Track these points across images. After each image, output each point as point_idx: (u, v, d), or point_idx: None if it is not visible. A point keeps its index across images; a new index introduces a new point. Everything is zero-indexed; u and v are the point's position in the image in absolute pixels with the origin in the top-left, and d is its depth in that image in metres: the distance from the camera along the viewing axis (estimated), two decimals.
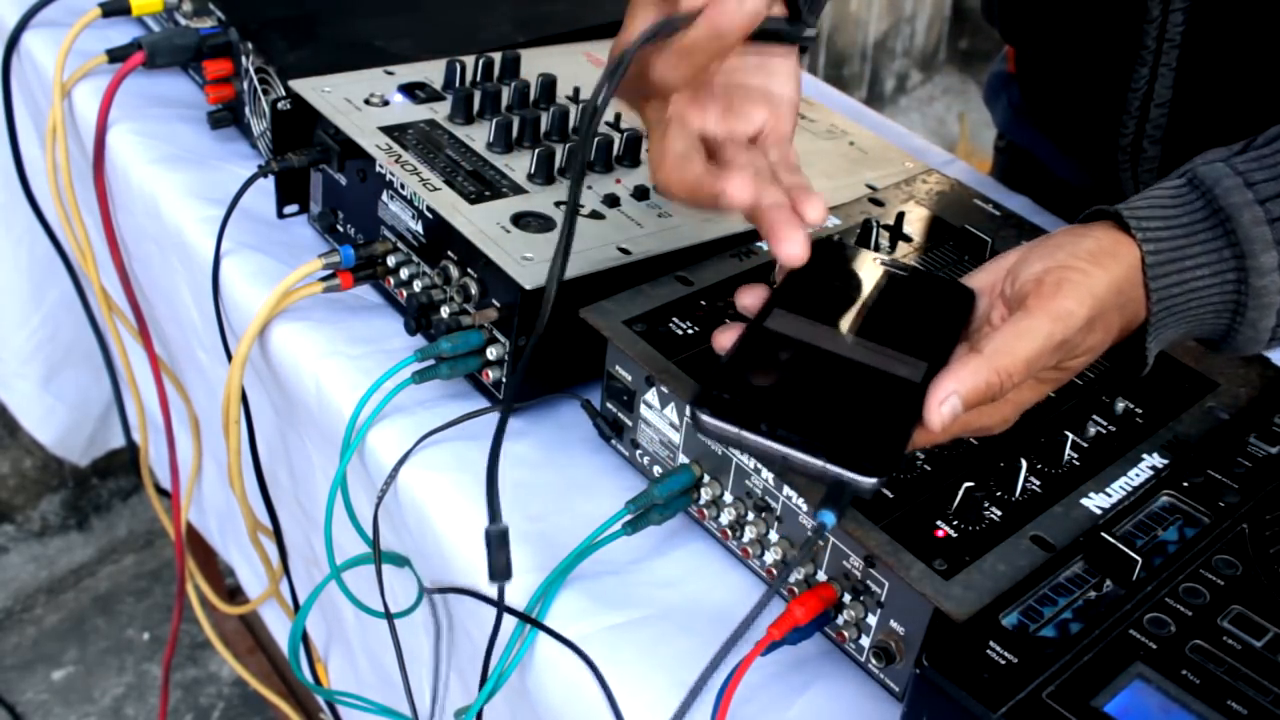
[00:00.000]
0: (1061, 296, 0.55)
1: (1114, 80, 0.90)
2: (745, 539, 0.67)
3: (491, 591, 0.66)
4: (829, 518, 0.50)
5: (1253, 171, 0.58)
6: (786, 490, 0.63)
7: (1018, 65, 1.09)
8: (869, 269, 0.62)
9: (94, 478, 2.08)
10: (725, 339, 0.57)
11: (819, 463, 0.49)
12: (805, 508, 0.62)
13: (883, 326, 0.57)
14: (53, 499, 2.05)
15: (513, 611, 0.66)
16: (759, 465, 0.64)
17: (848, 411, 0.52)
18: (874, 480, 0.49)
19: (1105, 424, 0.69)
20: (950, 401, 0.52)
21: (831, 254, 0.62)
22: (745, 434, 0.50)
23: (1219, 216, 0.58)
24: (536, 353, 0.74)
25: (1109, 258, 0.57)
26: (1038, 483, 0.64)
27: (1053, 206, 1.03)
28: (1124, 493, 0.64)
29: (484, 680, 0.66)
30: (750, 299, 0.59)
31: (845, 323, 0.56)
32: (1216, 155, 0.61)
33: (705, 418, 0.51)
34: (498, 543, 0.63)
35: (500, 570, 0.64)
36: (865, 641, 0.62)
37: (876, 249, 0.81)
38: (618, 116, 0.91)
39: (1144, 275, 0.58)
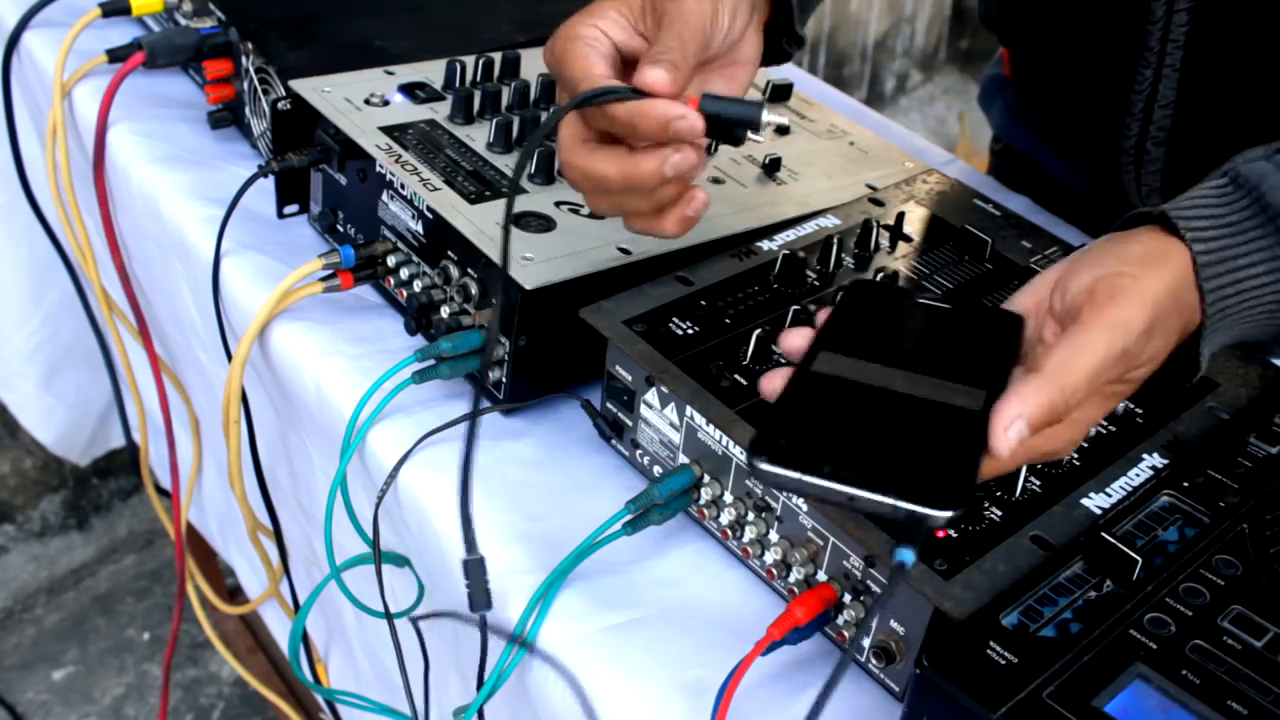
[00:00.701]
0: (1117, 305, 0.53)
1: (1115, 82, 0.89)
2: (745, 539, 0.67)
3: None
4: (909, 556, 0.47)
5: None
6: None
7: (1014, 68, 1.09)
8: (910, 306, 0.61)
9: (94, 478, 2.08)
10: (773, 384, 0.55)
11: (890, 500, 0.47)
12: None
13: (934, 360, 0.55)
14: (53, 499, 2.05)
15: (499, 633, 0.66)
16: None
17: (912, 446, 0.50)
18: (949, 513, 0.46)
19: (1105, 424, 0.69)
20: (1016, 426, 0.49)
21: (872, 294, 0.61)
22: (807, 478, 0.48)
23: (1268, 214, 0.58)
24: (537, 353, 0.75)
25: (1160, 261, 0.56)
26: (1038, 483, 0.64)
27: (1051, 209, 1.03)
28: (1124, 493, 0.64)
29: (481, 683, 0.66)
30: (794, 341, 0.57)
31: (895, 359, 0.55)
32: (1257, 154, 0.60)
33: (764, 465, 0.49)
34: (476, 572, 0.63)
35: (481, 600, 0.63)
36: (865, 641, 0.62)
37: (876, 249, 0.81)
38: None
39: (1196, 276, 0.56)
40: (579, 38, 0.64)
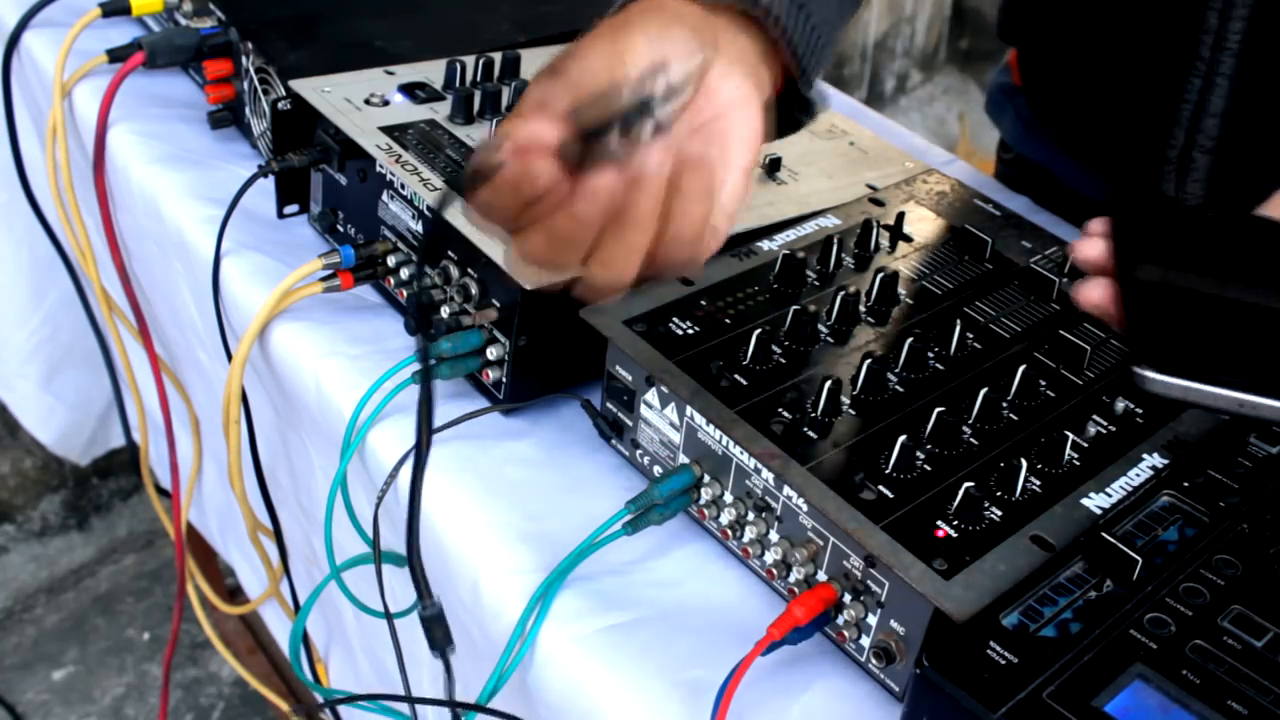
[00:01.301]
0: None
1: (1159, 92, 0.88)
2: (745, 539, 0.67)
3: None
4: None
5: None
6: (787, 490, 0.63)
7: (1028, 77, 1.07)
8: (1191, 218, 0.62)
9: (94, 478, 2.08)
10: (1093, 294, 0.56)
11: None
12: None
13: (1255, 268, 0.55)
14: (53, 499, 2.05)
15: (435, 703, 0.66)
16: (759, 465, 0.64)
17: None
18: None
19: (1105, 424, 0.69)
20: None
21: (1148, 209, 0.62)
22: (1198, 386, 0.49)
23: None
24: (537, 353, 0.75)
25: None
26: (1038, 483, 0.64)
27: (1069, 218, 1.01)
28: (1124, 493, 0.64)
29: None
30: (1090, 252, 0.58)
31: (1215, 267, 0.56)
32: None
33: (1154, 375, 0.50)
34: (434, 623, 0.63)
35: (441, 643, 0.64)
36: (865, 641, 0.62)
37: (876, 249, 0.81)
38: None
39: None
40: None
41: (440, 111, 0.87)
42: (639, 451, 0.73)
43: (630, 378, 0.71)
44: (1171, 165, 0.91)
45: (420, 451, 0.56)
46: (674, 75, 0.48)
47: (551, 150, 0.49)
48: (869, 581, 0.60)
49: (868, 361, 0.68)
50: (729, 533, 0.68)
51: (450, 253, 0.77)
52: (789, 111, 0.69)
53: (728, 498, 0.67)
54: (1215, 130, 0.88)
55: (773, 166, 0.89)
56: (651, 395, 0.70)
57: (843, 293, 0.73)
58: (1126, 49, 0.91)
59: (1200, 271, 0.56)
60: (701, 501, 0.68)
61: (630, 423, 0.72)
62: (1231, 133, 0.88)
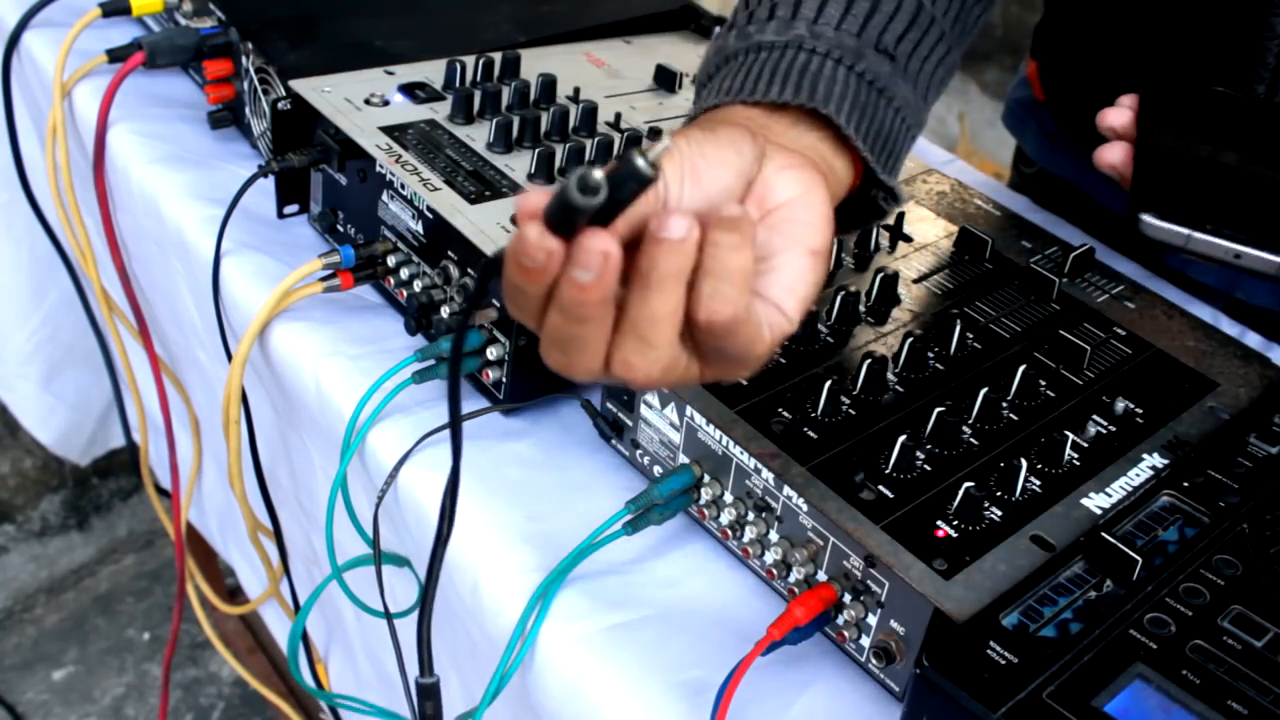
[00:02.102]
0: None
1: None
2: (745, 539, 0.67)
3: None
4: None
5: None
6: (787, 490, 0.63)
7: (1050, 92, 1.05)
8: (1220, 98, 0.65)
9: (94, 478, 2.08)
10: (1112, 155, 0.59)
11: (1275, 258, 0.51)
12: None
13: (1269, 141, 0.59)
14: (53, 499, 2.05)
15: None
16: (759, 465, 0.64)
17: None
18: None
19: (1105, 424, 0.69)
20: None
21: (1178, 86, 0.65)
22: (1194, 234, 0.52)
23: None
24: (537, 353, 0.74)
25: None
26: (1038, 483, 0.64)
27: (1096, 233, 0.99)
28: (1124, 493, 0.64)
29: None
30: (1117, 119, 0.61)
31: (1229, 136, 0.59)
32: None
33: (1151, 219, 0.53)
34: (426, 695, 0.63)
35: (432, 715, 0.64)
36: (865, 641, 0.62)
37: (876, 249, 0.81)
38: (618, 116, 0.91)
39: None
40: None
41: (440, 111, 0.87)
42: (639, 451, 0.73)
43: None
44: None
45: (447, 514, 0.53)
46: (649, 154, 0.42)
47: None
48: (869, 581, 0.60)
49: (868, 361, 0.68)
50: (729, 533, 0.68)
51: (450, 253, 0.77)
52: (870, 199, 0.64)
53: (728, 498, 0.67)
54: None
55: None
56: (651, 395, 0.70)
57: (843, 293, 0.73)
58: (1190, 60, 0.88)
59: (1213, 137, 0.59)
60: (701, 501, 0.68)
61: (630, 423, 0.72)
62: None
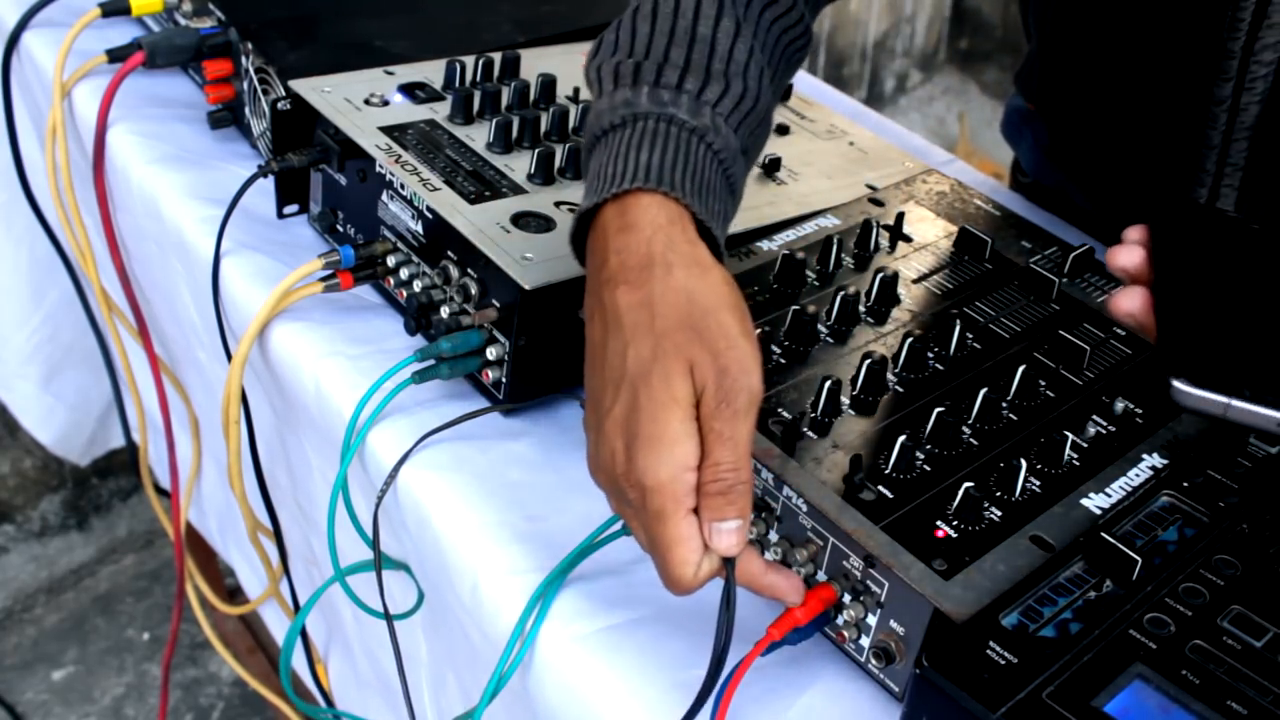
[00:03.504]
0: None
1: (1184, 138, 0.85)
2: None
3: None
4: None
5: None
6: (786, 490, 0.63)
7: (1043, 115, 1.05)
8: (1232, 228, 0.60)
9: (94, 478, 2.08)
10: (1128, 304, 0.56)
11: None
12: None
13: None
14: (53, 499, 2.05)
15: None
16: (759, 465, 0.64)
17: None
18: None
19: (1105, 424, 0.69)
20: None
21: (1186, 218, 0.61)
22: (1236, 403, 0.48)
23: None
24: (537, 353, 0.75)
25: None
26: (1038, 483, 0.64)
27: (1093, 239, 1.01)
28: (1124, 493, 0.64)
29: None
30: (1128, 259, 0.58)
31: (1255, 281, 0.54)
32: None
33: (1185, 388, 0.49)
34: None
35: None
36: (865, 642, 0.62)
37: (876, 249, 0.81)
38: None
39: None
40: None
41: (440, 111, 0.87)
42: None
43: None
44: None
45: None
46: None
47: None
48: (869, 582, 0.60)
49: (868, 361, 0.68)
50: None
51: (450, 253, 0.77)
52: None
53: None
54: (1238, 179, 0.86)
55: (772, 166, 0.89)
56: None
57: (842, 293, 0.73)
58: (1149, 91, 0.88)
59: (1239, 286, 0.55)
60: None
61: None
62: (1252, 182, 0.85)
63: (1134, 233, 0.60)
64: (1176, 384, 0.49)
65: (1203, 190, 0.86)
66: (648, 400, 0.55)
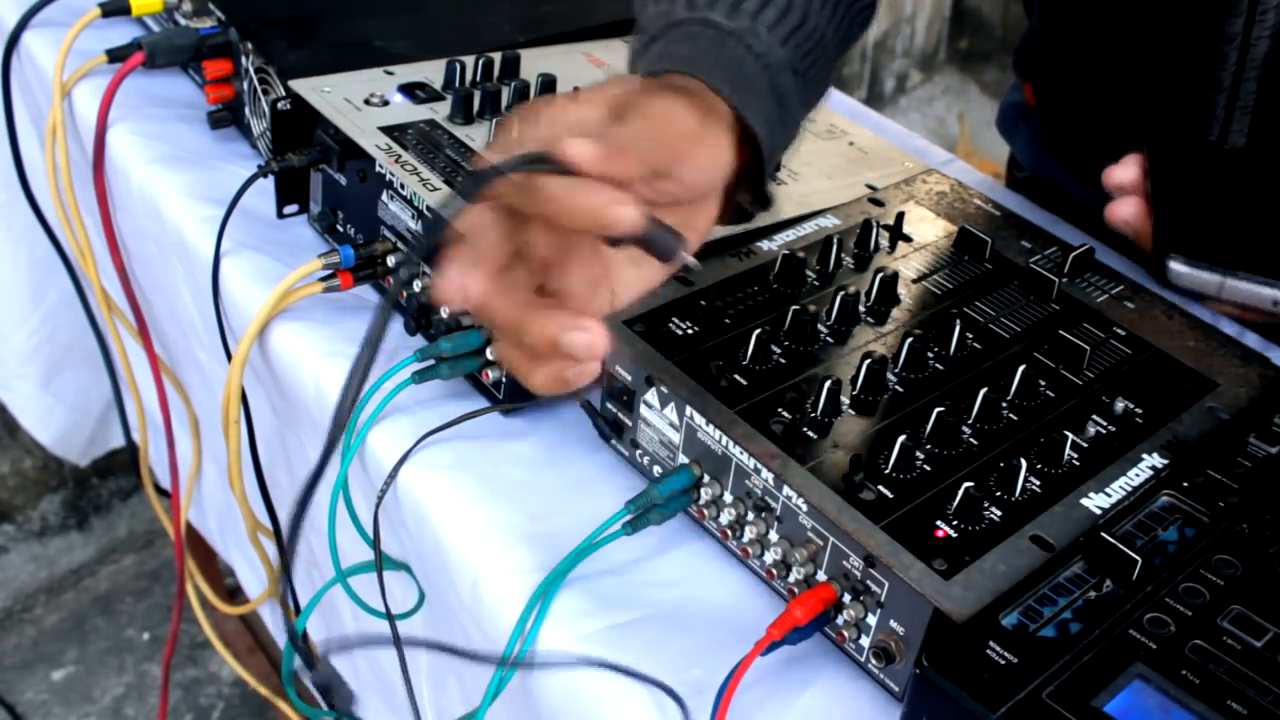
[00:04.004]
0: None
1: (1181, 121, 0.85)
2: (745, 539, 0.67)
3: None
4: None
5: None
6: (786, 490, 0.63)
7: (1040, 101, 1.05)
8: (1225, 154, 0.64)
9: (94, 478, 2.08)
10: (1123, 210, 0.58)
11: None
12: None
13: None
14: (53, 499, 2.05)
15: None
16: (759, 465, 0.64)
17: None
18: None
19: (1105, 424, 0.69)
20: None
21: (1185, 147, 0.64)
22: (1228, 280, 0.50)
23: None
24: None
25: None
26: (1038, 483, 0.64)
27: (1091, 237, 1.01)
28: (1124, 493, 0.64)
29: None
30: (1125, 174, 0.60)
31: (1245, 181, 0.57)
32: None
33: (1180, 266, 0.50)
34: (330, 688, 0.62)
35: (341, 706, 0.61)
36: (865, 641, 0.62)
37: (876, 249, 0.81)
38: None
39: None
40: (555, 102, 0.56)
41: (440, 111, 0.87)
42: (639, 451, 0.73)
43: (630, 378, 0.71)
44: None
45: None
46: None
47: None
48: (869, 581, 0.60)
49: (868, 361, 0.68)
50: (729, 533, 0.68)
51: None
52: (736, 203, 0.66)
53: (727, 498, 0.67)
54: (1252, 99, 0.85)
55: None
56: (651, 395, 0.70)
57: (842, 293, 0.73)
58: (1146, 77, 0.89)
59: (1234, 175, 0.57)
60: (701, 501, 0.68)
61: (630, 423, 0.72)
62: (1267, 115, 0.85)
63: (1130, 156, 0.61)
64: (1172, 264, 0.50)
65: (1210, 138, 0.87)
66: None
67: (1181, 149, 0.60)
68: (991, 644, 0.53)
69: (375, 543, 0.74)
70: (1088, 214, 1.04)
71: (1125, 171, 0.60)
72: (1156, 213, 0.56)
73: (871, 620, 0.61)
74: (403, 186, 0.79)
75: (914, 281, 0.79)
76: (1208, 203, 0.55)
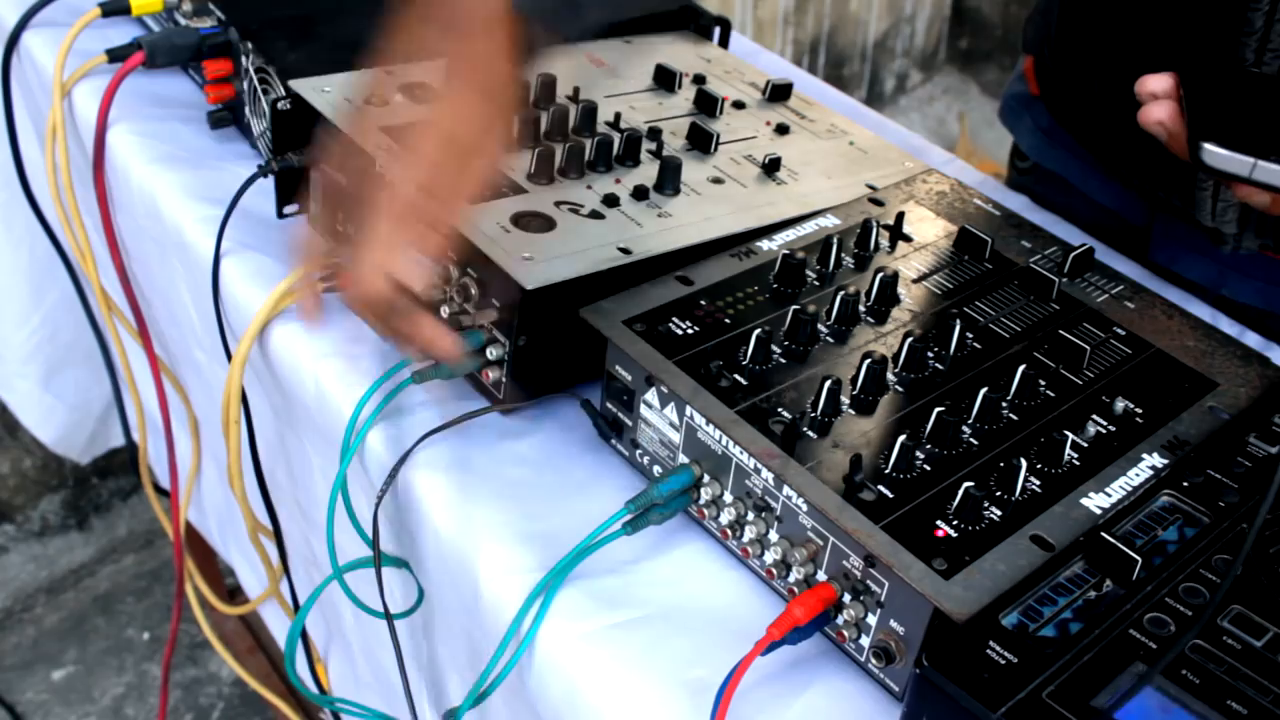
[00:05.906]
0: None
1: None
2: (745, 539, 0.67)
3: None
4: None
5: None
6: (786, 490, 0.63)
7: (1044, 86, 1.05)
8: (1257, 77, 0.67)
9: (94, 477, 2.08)
10: (1158, 112, 0.60)
11: None
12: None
13: None
14: (53, 499, 2.05)
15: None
16: (759, 465, 0.64)
17: None
18: None
19: (1105, 424, 0.69)
20: None
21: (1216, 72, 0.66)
22: (1260, 162, 0.53)
23: None
24: (537, 353, 0.75)
25: None
26: (1038, 483, 0.64)
27: (1091, 228, 1.01)
28: (1124, 493, 0.64)
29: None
30: (1157, 83, 0.62)
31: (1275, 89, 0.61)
32: None
33: (1214, 148, 0.53)
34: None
35: None
36: (865, 641, 0.62)
37: (876, 249, 0.81)
38: (617, 116, 0.91)
39: None
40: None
41: None
42: (639, 451, 0.73)
43: (630, 377, 0.71)
44: (1207, 180, 0.90)
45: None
46: None
47: None
48: (869, 581, 0.60)
49: (868, 361, 0.68)
50: (729, 532, 0.68)
51: (449, 253, 0.77)
52: None
53: (727, 498, 0.67)
54: None
55: (772, 166, 0.89)
56: (651, 395, 0.70)
57: (842, 293, 0.73)
58: (1162, 54, 0.89)
59: (1263, 93, 0.61)
60: (701, 501, 0.68)
61: (630, 423, 0.72)
62: None
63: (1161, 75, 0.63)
64: (1206, 145, 0.55)
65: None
66: None
67: (1213, 69, 0.64)
68: (992, 644, 0.53)
69: (374, 542, 0.74)
70: (1090, 204, 1.04)
71: (1159, 81, 0.62)
72: (1190, 106, 0.59)
73: (871, 620, 0.61)
74: None
75: (914, 281, 0.79)
76: (1240, 106, 0.59)
